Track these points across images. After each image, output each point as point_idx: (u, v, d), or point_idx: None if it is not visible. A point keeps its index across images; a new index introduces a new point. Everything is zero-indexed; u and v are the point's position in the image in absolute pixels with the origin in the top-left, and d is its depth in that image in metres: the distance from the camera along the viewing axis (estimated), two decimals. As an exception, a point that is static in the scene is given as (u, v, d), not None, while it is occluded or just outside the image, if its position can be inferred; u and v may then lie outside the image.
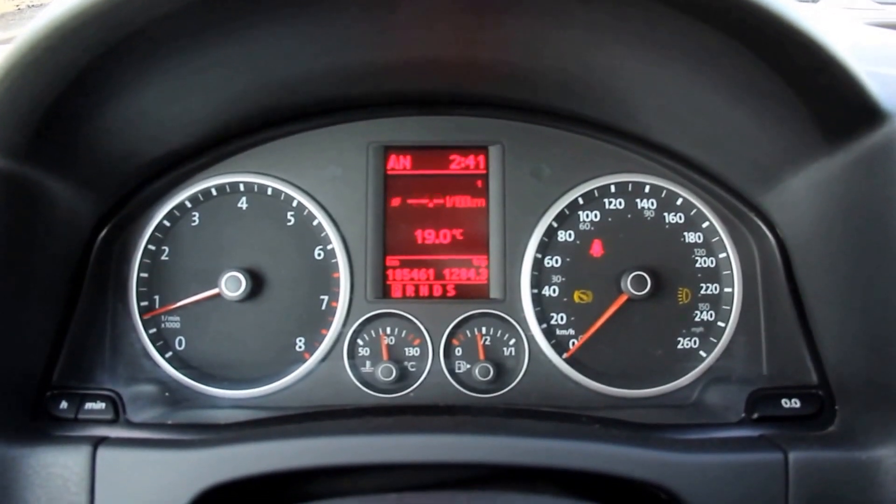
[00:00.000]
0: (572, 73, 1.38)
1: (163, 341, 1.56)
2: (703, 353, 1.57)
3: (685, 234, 1.60)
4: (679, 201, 1.60)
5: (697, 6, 1.01)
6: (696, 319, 1.58)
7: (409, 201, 1.62)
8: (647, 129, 1.55)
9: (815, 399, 1.34)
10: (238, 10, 1.09)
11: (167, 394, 1.51)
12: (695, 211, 1.59)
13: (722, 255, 1.58)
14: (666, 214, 1.60)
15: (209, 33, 1.16)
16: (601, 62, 1.30)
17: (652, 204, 1.61)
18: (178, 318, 1.58)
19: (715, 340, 1.57)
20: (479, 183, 1.62)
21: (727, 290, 1.58)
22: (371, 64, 1.41)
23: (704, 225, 1.59)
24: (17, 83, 1.07)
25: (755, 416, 1.34)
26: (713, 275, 1.59)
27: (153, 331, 1.56)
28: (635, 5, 1.05)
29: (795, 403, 1.34)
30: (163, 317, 1.57)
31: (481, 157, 1.62)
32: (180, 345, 1.57)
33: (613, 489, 1.17)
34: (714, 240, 1.59)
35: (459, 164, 1.63)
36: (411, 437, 1.18)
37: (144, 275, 1.57)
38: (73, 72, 1.09)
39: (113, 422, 1.33)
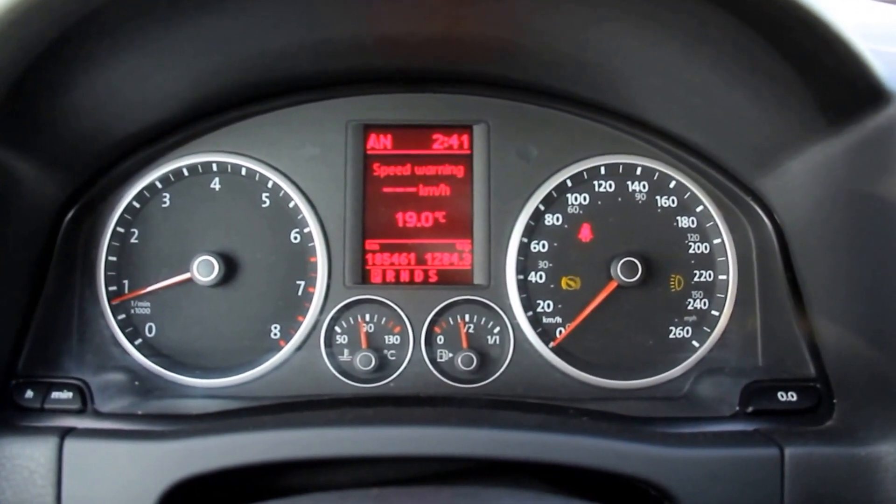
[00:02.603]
0: (563, 50, 1.41)
1: (132, 328, 1.59)
2: (695, 343, 1.60)
3: (678, 218, 1.63)
4: (672, 184, 1.63)
5: None
6: (689, 308, 1.62)
7: (390, 183, 1.64)
8: (641, 108, 1.57)
9: (812, 392, 1.36)
10: None
11: (137, 382, 1.54)
12: (688, 194, 1.62)
13: (716, 241, 1.61)
14: (658, 198, 1.63)
15: (182, 6, 1.17)
16: (595, 39, 1.33)
17: (644, 187, 1.63)
18: (148, 304, 1.60)
19: (708, 330, 1.60)
20: (463, 164, 1.65)
21: (721, 277, 1.61)
22: (352, 38, 1.44)
23: (698, 209, 1.62)
24: None
25: (750, 409, 1.37)
26: (707, 261, 1.62)
27: (122, 317, 1.59)
28: None
29: (792, 396, 1.37)
30: (132, 302, 1.60)
31: (465, 137, 1.65)
32: (150, 331, 1.60)
33: (603, 484, 1.20)
34: (708, 225, 1.62)
35: (442, 143, 1.65)
36: (392, 429, 1.21)
37: (113, 258, 1.59)
38: (39, 46, 1.10)
39: (81, 412, 1.36)
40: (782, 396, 1.37)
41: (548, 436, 1.20)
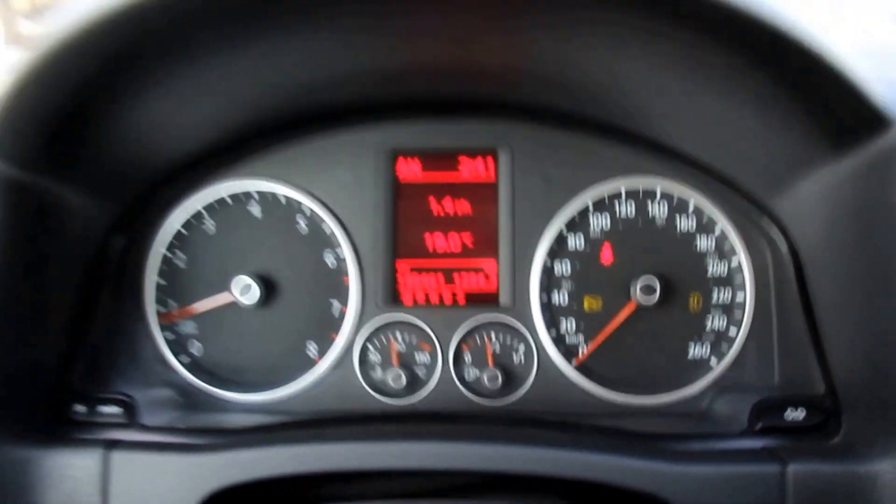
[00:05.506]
0: (581, 78, 1.44)
1: (179, 346, 1.65)
2: (713, 362, 1.61)
3: (697, 239, 1.64)
4: (691, 207, 1.64)
5: (668, 8, 1.05)
6: (707, 328, 1.63)
7: (419, 206, 1.68)
8: (658, 132, 1.59)
9: (821, 410, 1.37)
10: (253, 17, 1.17)
11: (180, 398, 1.60)
12: (707, 216, 1.63)
13: (734, 262, 1.62)
14: (678, 220, 1.64)
15: (222, 40, 1.23)
16: (611, 69, 1.35)
17: (663, 209, 1.64)
18: (194, 324, 1.66)
19: (726, 349, 1.61)
20: (488, 188, 1.67)
21: (739, 297, 1.62)
22: (382, 69, 1.48)
23: (717, 230, 1.63)
24: (30, 94, 1.15)
25: (759, 426, 1.38)
26: (725, 282, 1.63)
27: (169, 336, 1.65)
28: (612, 11, 1.11)
29: (800, 414, 1.37)
30: (179, 322, 1.66)
31: (490, 162, 1.67)
32: (196, 350, 1.66)
33: (614, 498, 1.23)
34: (726, 246, 1.62)
35: (469, 168, 1.68)
36: (413, 444, 1.25)
37: (162, 281, 1.65)
38: (85, 80, 1.16)
39: (126, 425, 1.41)
40: (791, 414, 1.37)
41: (559, 452, 1.23)
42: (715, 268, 1.64)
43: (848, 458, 1.23)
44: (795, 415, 1.37)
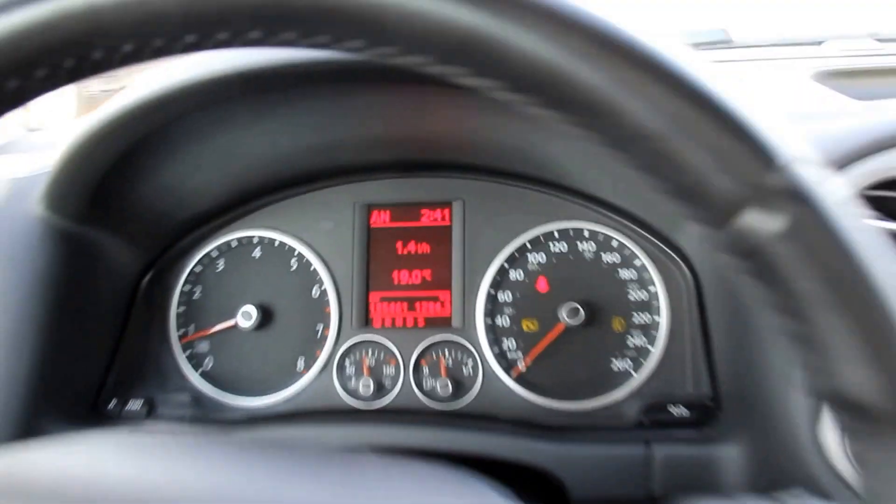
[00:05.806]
0: (504, 144, 1.77)
1: (195, 361, 1.98)
2: (634, 374, 1.83)
3: (620, 271, 1.88)
4: (614, 243, 1.88)
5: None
6: (629, 345, 1.85)
7: (388, 249, 1.99)
8: (580, 183, 1.86)
9: (702, 409, 1.63)
10: (263, 109, 1.52)
11: (192, 400, 1.92)
12: (628, 251, 1.87)
13: (652, 289, 1.85)
14: (603, 255, 1.89)
15: (229, 125, 1.59)
16: (522, 137, 1.68)
17: (591, 246, 1.90)
18: (207, 343, 1.99)
19: (644, 363, 1.83)
20: (445, 233, 1.97)
21: (657, 318, 1.84)
22: (355, 140, 1.83)
23: (636, 263, 1.87)
24: (79, 162, 1.46)
25: (646, 420, 1.66)
26: (645, 306, 1.86)
27: (187, 353, 1.98)
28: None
29: (683, 411, 1.64)
30: (195, 342, 2.00)
31: (447, 211, 1.97)
32: (208, 364, 1.98)
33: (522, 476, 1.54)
34: (645, 275, 1.86)
35: (429, 217, 1.98)
36: (366, 427, 1.63)
37: (181, 310, 2.00)
38: (124, 152, 1.49)
39: (147, 416, 1.77)
40: (674, 410, 1.64)
41: (470, 434, 1.57)
42: (635, 294, 1.87)
43: (708, 445, 1.51)
44: (678, 411, 1.64)
